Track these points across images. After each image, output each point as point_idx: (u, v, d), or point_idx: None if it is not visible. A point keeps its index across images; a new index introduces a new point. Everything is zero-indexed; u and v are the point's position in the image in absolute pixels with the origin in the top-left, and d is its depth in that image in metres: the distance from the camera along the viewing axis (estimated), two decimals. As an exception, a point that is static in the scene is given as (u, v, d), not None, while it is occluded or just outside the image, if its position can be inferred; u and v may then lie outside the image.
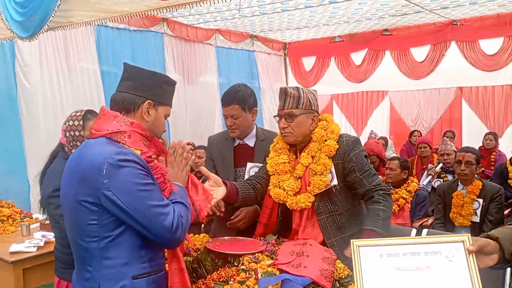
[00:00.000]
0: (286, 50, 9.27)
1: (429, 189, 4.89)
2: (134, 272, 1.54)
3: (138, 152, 1.57)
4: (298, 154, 2.14)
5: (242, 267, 1.78)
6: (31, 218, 3.58)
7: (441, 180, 4.95)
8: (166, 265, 1.72)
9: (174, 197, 1.64)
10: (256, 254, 1.89)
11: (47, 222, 3.22)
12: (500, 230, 1.47)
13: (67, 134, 2.34)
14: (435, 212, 3.98)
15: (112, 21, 2.57)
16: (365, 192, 2.06)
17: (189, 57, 7.21)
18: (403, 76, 7.94)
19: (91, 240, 1.52)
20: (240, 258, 1.87)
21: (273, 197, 2.12)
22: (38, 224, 3.39)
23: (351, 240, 1.43)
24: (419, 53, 7.71)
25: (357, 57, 8.50)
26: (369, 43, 8.05)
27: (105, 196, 1.47)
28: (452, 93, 7.91)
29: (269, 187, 2.17)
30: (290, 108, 2.07)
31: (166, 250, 1.73)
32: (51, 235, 3.00)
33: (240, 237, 2.20)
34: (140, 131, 1.62)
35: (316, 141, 2.09)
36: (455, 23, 7.01)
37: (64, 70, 5.39)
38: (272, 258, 1.86)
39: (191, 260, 1.99)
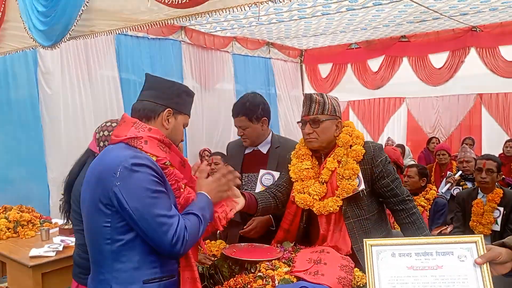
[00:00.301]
0: (303, 57, 9.27)
1: (448, 197, 4.82)
2: (145, 277, 1.56)
3: (154, 158, 1.59)
4: (323, 160, 2.14)
5: (259, 274, 1.78)
6: (50, 222, 3.64)
7: (460, 187, 4.87)
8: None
9: (191, 208, 1.64)
10: (273, 261, 1.89)
11: (66, 227, 3.28)
12: None
13: (101, 144, 2.38)
14: (454, 220, 3.91)
15: (132, 30, 2.60)
16: (397, 202, 2.09)
17: (206, 64, 7.27)
18: (420, 83, 7.85)
19: (104, 242, 1.55)
20: (257, 265, 1.87)
21: (298, 203, 2.11)
22: (57, 229, 3.45)
23: (364, 239, 1.44)
24: (438, 59, 7.61)
25: (374, 63, 8.44)
26: (387, 49, 7.99)
27: (116, 198, 1.50)
28: (471, 100, 7.80)
29: (292, 194, 2.16)
30: (316, 114, 2.08)
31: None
32: (69, 240, 3.05)
33: (257, 244, 2.20)
34: (159, 137, 1.65)
35: (341, 146, 2.10)
36: (475, 29, 6.91)
37: (84, 77, 5.48)
38: (289, 265, 1.85)
39: (208, 266, 1.99)
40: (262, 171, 2.53)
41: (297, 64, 9.36)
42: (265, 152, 2.60)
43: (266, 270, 1.80)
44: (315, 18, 5.99)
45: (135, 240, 1.55)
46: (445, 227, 4.06)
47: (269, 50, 8.34)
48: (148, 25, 2.29)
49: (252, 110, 2.52)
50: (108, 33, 2.56)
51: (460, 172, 4.95)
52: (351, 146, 2.08)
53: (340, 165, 2.06)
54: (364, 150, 2.06)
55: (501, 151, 6.40)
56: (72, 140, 5.18)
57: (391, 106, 8.82)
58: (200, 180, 1.79)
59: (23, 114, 4.95)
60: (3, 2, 3.16)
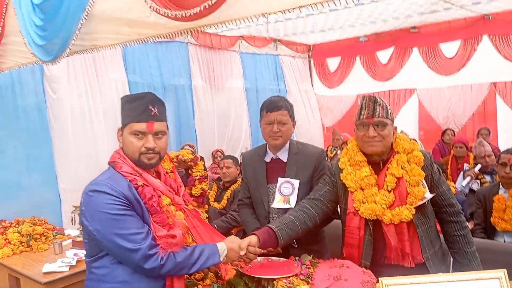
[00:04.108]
0: (311, 52, 9.16)
1: (467, 191, 4.71)
2: None
3: (128, 180, 1.69)
4: (381, 166, 2.04)
5: (277, 292, 1.72)
6: (63, 234, 3.61)
7: (479, 181, 4.76)
8: None
9: (197, 246, 1.75)
10: (291, 277, 1.82)
11: (79, 239, 3.25)
12: None
13: None
14: (475, 217, 3.81)
15: (137, 44, 2.52)
16: (453, 213, 2.05)
17: (214, 64, 7.24)
18: (432, 73, 7.72)
19: (86, 256, 1.76)
20: (274, 282, 1.81)
21: (364, 214, 1.98)
22: (70, 240, 3.42)
23: (380, 279, 1.35)
24: (449, 48, 7.46)
25: (383, 55, 8.31)
26: (396, 41, 7.86)
27: (83, 221, 1.66)
28: (485, 89, 7.60)
29: (353, 205, 2.02)
30: (381, 117, 1.98)
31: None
32: (82, 253, 3.01)
33: (274, 258, 2.12)
34: (128, 162, 1.73)
35: (401, 153, 2.01)
36: (487, 17, 6.74)
37: (92, 82, 5.47)
38: (307, 283, 1.78)
39: (223, 284, 1.93)
40: (280, 180, 2.40)
41: (305, 59, 9.26)
42: (285, 161, 2.45)
43: (284, 288, 1.73)
44: (323, 14, 5.88)
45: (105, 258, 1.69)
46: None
47: (277, 47, 8.26)
48: (154, 37, 2.22)
49: (291, 107, 2.42)
50: (112, 47, 2.49)
51: (479, 165, 4.83)
52: (413, 151, 2.01)
53: (405, 172, 1.98)
54: (423, 157, 2.00)
55: (519, 141, 6.22)
56: (81, 147, 5.17)
57: (401, 98, 8.65)
58: (234, 239, 1.87)
59: (32, 122, 4.95)
60: (3, 17, 3.11)
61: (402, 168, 1.97)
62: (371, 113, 1.98)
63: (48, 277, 2.76)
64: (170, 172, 1.96)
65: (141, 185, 1.69)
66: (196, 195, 2.96)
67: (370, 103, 2.00)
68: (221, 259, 1.76)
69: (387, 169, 2.00)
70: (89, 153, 5.20)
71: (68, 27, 2.45)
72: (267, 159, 2.50)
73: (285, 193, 2.37)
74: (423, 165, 1.99)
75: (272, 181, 2.44)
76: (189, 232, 1.81)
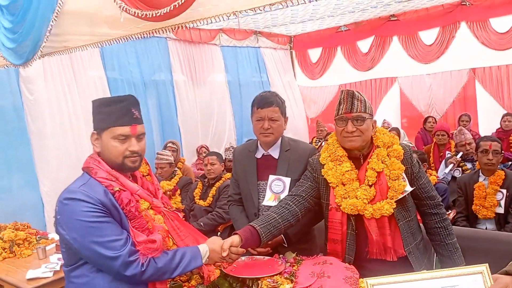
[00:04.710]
0: (292, 43, 9.14)
1: (449, 178, 4.78)
2: None
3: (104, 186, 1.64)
4: (362, 161, 2.04)
5: (261, 292, 1.71)
6: (47, 239, 3.55)
7: (460, 168, 4.83)
8: None
9: (178, 249, 1.72)
10: (275, 276, 1.82)
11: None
12: None
13: None
14: (457, 206, 3.86)
15: (109, 44, 2.47)
16: (432, 205, 2.07)
17: (195, 58, 7.17)
18: (412, 61, 7.80)
19: (65, 265, 1.71)
20: (259, 281, 1.81)
21: (346, 209, 1.98)
22: (54, 245, 3.37)
23: (364, 279, 1.36)
24: (428, 36, 7.54)
25: (364, 44, 8.36)
26: (376, 29, 7.90)
27: (59, 230, 1.62)
28: (464, 75, 7.69)
29: (335, 201, 2.02)
30: (360, 112, 1.98)
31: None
32: (66, 258, 2.97)
33: (258, 256, 2.12)
34: (103, 167, 1.68)
35: (381, 147, 2.02)
36: (464, 3, 6.83)
37: (69, 80, 5.36)
38: (291, 281, 1.78)
39: (207, 286, 1.92)
40: (271, 177, 2.36)
41: (287, 51, 9.24)
42: (276, 157, 2.42)
43: (268, 288, 1.73)
44: (301, 5, 5.84)
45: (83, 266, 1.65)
46: (448, 213, 4.01)
47: (258, 39, 8.22)
48: (125, 38, 2.18)
49: (282, 103, 2.38)
50: (82, 48, 2.43)
51: (461, 153, 4.90)
52: (392, 145, 2.02)
53: (385, 166, 1.98)
54: (403, 150, 2.00)
55: (499, 126, 6.32)
56: (61, 146, 5.08)
57: (383, 86, 8.71)
58: (216, 240, 1.83)
59: (9, 124, 4.85)
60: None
61: (382, 162, 1.98)
62: (349, 107, 1.98)
63: (32, 284, 2.72)
64: (147, 175, 1.90)
65: (117, 190, 1.65)
66: None
67: (348, 97, 1.99)
68: (203, 261, 1.73)
69: (368, 164, 2.00)
70: (70, 154, 5.12)
71: (38, 29, 2.37)
72: (258, 155, 2.46)
73: (276, 191, 2.34)
74: (403, 159, 1.99)
75: (263, 178, 2.41)
76: (170, 236, 1.77)
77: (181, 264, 1.67)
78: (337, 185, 2.02)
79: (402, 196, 1.94)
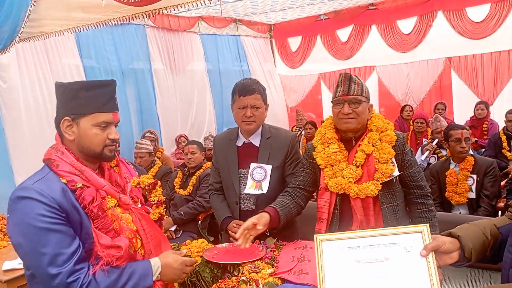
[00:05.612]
0: (272, 31, 9.12)
1: (425, 165, 4.88)
2: None
3: (65, 181, 1.47)
4: (354, 143, 2.08)
5: (243, 277, 1.73)
6: (24, 229, 3.50)
7: (436, 155, 4.94)
8: None
9: (116, 272, 1.47)
10: (256, 262, 1.84)
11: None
12: (463, 227, 1.46)
13: None
14: (431, 193, 3.95)
15: (87, 29, 2.42)
16: (420, 195, 2.09)
17: (174, 46, 7.07)
18: (390, 50, 7.88)
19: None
20: (240, 267, 1.83)
21: (332, 188, 2.03)
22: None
23: (314, 235, 1.43)
24: (406, 25, 7.62)
25: (343, 33, 8.39)
26: (355, 18, 7.94)
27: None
28: (440, 64, 7.82)
29: (324, 181, 2.07)
30: (356, 94, 2.01)
31: None
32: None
33: (238, 242, 2.14)
34: (67, 158, 1.51)
35: (375, 131, 2.06)
36: (441, -8, 6.90)
37: (44, 69, 5.23)
38: (272, 266, 1.81)
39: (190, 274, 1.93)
40: (252, 165, 2.36)
41: (267, 40, 9.22)
42: (257, 145, 2.41)
43: (250, 273, 1.75)
44: (281, -7, 5.85)
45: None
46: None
47: (237, 27, 8.16)
48: (104, 23, 2.13)
49: (264, 90, 2.38)
50: (60, 33, 2.37)
51: (436, 140, 5.01)
52: (386, 130, 2.06)
53: (375, 149, 2.02)
54: (395, 136, 2.04)
55: (473, 114, 6.48)
56: (38, 138, 4.96)
57: (361, 75, 8.77)
58: (169, 253, 1.65)
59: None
60: None
61: (373, 145, 2.03)
62: (346, 90, 2.02)
63: (9, 275, 2.68)
64: (115, 166, 1.71)
65: (80, 187, 1.47)
66: (154, 219, 2.87)
67: (346, 80, 2.04)
68: (154, 278, 1.54)
69: (359, 146, 2.05)
70: (47, 144, 4.97)
71: (16, 14, 2.28)
72: (239, 143, 2.45)
73: (257, 179, 2.35)
74: (395, 145, 2.04)
75: (244, 166, 2.40)
76: (138, 236, 1.59)
77: (128, 285, 1.48)
78: (325, 166, 2.08)
79: (388, 179, 1.98)
